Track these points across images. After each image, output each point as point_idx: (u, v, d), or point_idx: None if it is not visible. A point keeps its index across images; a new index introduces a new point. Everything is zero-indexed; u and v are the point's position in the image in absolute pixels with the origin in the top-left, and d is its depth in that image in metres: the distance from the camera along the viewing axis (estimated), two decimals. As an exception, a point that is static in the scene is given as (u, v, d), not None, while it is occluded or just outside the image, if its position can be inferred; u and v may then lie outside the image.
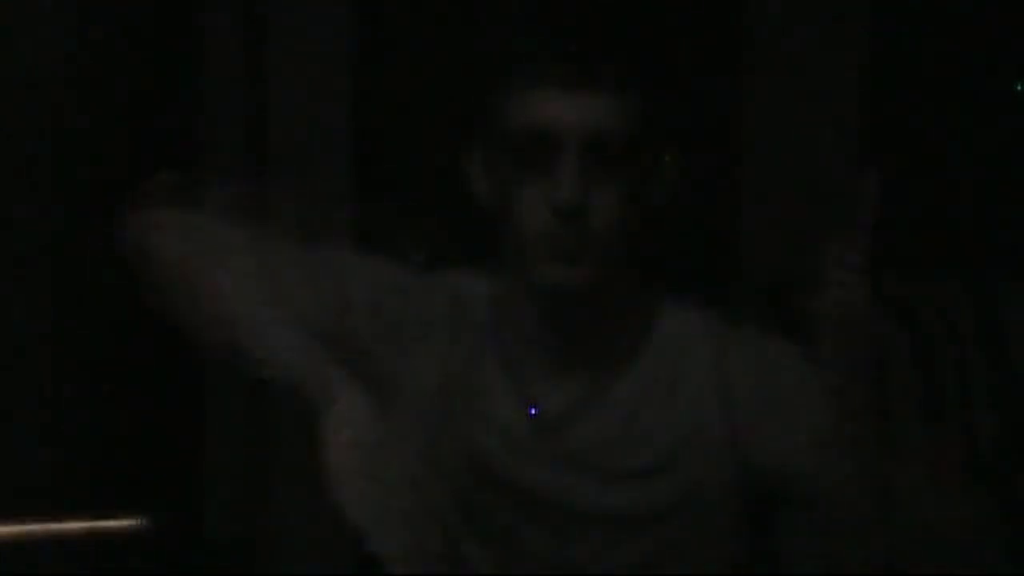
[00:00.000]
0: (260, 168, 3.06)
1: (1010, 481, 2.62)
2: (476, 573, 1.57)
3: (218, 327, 1.53)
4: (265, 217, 1.57)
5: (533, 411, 1.53)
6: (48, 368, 3.23)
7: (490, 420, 1.56)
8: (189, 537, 3.23)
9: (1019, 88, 3.18)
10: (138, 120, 3.17)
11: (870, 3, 3.04)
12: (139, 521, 3.25)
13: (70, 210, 3.19)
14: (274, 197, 1.60)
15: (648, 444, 1.51)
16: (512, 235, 1.52)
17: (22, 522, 3.18)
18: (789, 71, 3.02)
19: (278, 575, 2.96)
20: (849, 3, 3.05)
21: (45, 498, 3.21)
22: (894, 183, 3.12)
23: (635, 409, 1.54)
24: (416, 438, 1.47)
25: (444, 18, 2.94)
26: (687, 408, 1.53)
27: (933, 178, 3.15)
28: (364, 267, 1.63)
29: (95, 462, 3.25)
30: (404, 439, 1.46)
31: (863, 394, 1.43)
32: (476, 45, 1.41)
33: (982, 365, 2.62)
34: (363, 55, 3.02)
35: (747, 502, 1.52)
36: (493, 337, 1.59)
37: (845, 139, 3.05)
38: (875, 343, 1.42)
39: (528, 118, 1.48)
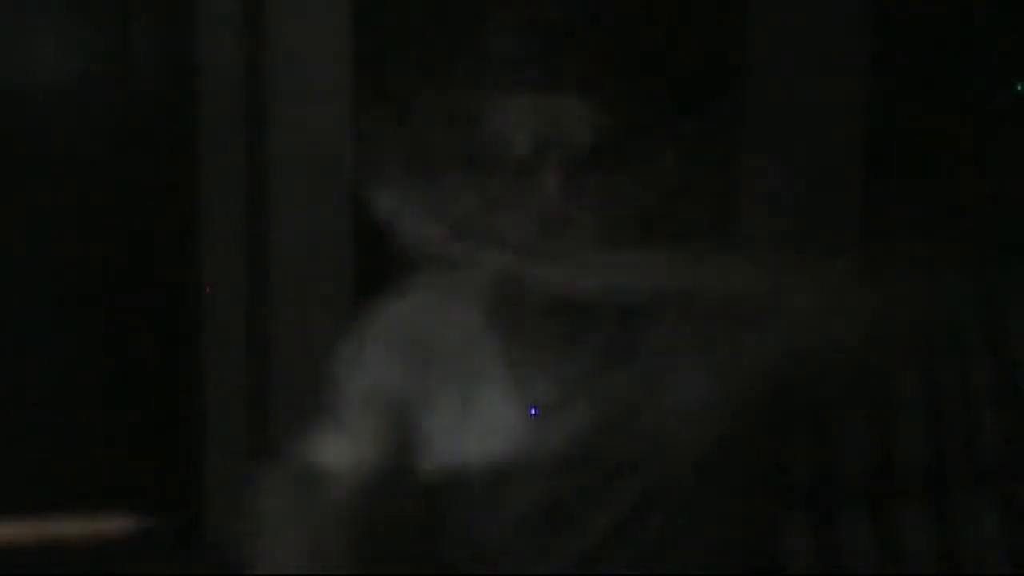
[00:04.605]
0: (261, 176, 3.06)
1: (1010, 482, 2.62)
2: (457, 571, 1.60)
3: None
4: None
5: (533, 411, 1.54)
6: (48, 368, 3.23)
7: (484, 411, 1.59)
8: (189, 537, 3.23)
9: (1019, 88, 3.18)
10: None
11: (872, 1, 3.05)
12: (139, 521, 3.25)
13: (70, 209, 3.19)
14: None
15: (623, 443, 1.51)
16: (496, 242, 1.50)
17: (22, 522, 3.18)
18: (789, 67, 3.02)
19: None
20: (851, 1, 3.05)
21: (45, 498, 3.21)
22: (895, 183, 3.13)
23: (618, 406, 1.53)
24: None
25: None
26: (658, 408, 1.52)
27: (933, 178, 3.15)
28: None
29: (95, 462, 3.25)
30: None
31: None
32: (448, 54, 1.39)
33: (982, 365, 2.61)
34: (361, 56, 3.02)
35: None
36: (492, 331, 1.61)
37: (845, 139, 3.06)
38: None
39: (502, 125, 1.46)
